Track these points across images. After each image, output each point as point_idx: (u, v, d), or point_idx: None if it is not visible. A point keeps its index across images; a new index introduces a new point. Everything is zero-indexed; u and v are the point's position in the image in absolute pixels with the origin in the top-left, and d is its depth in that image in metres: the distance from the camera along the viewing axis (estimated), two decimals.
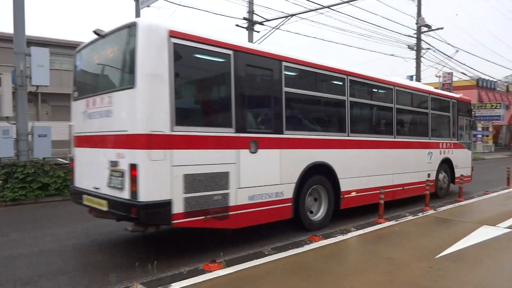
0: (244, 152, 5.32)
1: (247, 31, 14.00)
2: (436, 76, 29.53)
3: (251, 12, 15.14)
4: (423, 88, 9.76)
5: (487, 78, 39.19)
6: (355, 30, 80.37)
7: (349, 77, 7.32)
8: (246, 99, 5.42)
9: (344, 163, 6.93)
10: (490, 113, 41.35)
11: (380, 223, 7.35)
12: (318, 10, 15.26)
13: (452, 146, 12.00)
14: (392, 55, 23.41)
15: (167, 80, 4.75)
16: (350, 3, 14.03)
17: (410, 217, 7.80)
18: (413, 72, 23.37)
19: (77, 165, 6.30)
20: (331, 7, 14.50)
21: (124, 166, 5.18)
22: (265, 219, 5.55)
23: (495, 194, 10.35)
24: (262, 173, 5.54)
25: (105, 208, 5.43)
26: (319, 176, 6.52)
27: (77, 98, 6.27)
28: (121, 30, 5.29)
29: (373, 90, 7.94)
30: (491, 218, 7.67)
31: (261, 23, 14.38)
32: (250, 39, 14.14)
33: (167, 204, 4.75)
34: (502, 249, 5.88)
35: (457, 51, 23.32)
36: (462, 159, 11.66)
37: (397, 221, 7.48)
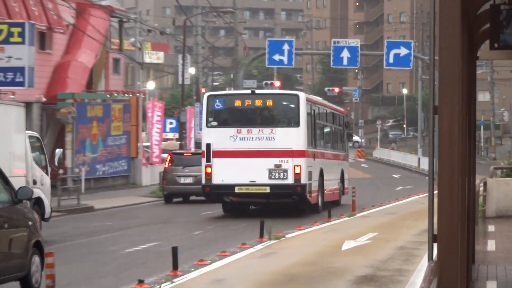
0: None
1: None
2: None
3: None
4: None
5: None
6: None
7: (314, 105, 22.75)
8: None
9: None
10: None
11: None
12: None
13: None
14: None
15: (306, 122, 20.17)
16: None
17: None
18: None
19: (218, 169, 17.03)
20: None
21: (287, 166, 17.03)
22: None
23: None
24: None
25: (267, 191, 16.69)
26: None
27: (217, 126, 17.22)
28: (285, 95, 20.74)
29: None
30: None
31: None
32: None
33: (306, 185, 18.67)
34: None
35: None
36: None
37: None
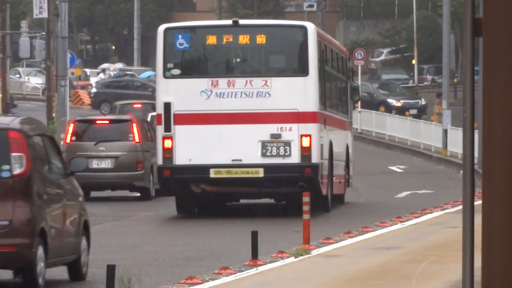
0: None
1: None
2: None
3: None
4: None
5: None
6: None
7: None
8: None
9: None
10: None
11: None
12: None
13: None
14: None
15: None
16: None
17: None
18: None
19: (184, 143, 25.67)
20: None
21: (290, 137, 25.82)
22: None
23: None
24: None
25: (260, 175, 25.99)
26: None
27: (180, 76, 24.87)
28: (286, 26, 30.61)
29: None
30: None
31: None
32: None
33: (318, 165, 29.30)
34: None
35: None
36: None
37: None
